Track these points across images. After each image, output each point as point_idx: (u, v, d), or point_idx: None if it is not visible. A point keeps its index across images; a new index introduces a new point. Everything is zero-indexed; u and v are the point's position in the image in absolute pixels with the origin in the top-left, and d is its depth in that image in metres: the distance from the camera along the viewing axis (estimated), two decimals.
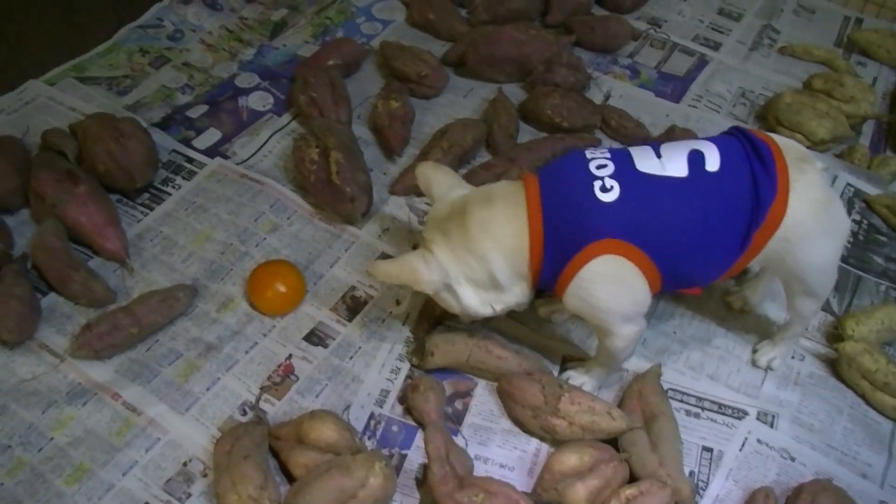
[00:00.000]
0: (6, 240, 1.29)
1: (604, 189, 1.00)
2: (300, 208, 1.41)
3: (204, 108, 1.55)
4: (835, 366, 1.23)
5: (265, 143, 1.52)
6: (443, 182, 1.13)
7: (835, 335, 1.26)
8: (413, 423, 1.14)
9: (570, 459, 1.06)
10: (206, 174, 1.45)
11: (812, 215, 1.03)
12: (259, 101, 1.58)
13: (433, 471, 1.01)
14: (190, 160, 1.47)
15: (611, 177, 1.01)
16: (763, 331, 1.27)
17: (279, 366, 1.20)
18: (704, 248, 1.04)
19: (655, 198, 1.01)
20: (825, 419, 1.18)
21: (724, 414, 1.18)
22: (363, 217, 1.37)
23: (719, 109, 1.64)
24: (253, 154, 1.50)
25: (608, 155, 1.04)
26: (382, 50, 1.64)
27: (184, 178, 1.44)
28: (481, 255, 1.04)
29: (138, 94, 1.59)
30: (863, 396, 1.20)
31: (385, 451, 1.11)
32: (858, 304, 1.32)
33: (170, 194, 1.42)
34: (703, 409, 1.19)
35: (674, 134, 1.47)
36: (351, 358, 1.21)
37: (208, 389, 1.16)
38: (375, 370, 1.20)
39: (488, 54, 1.60)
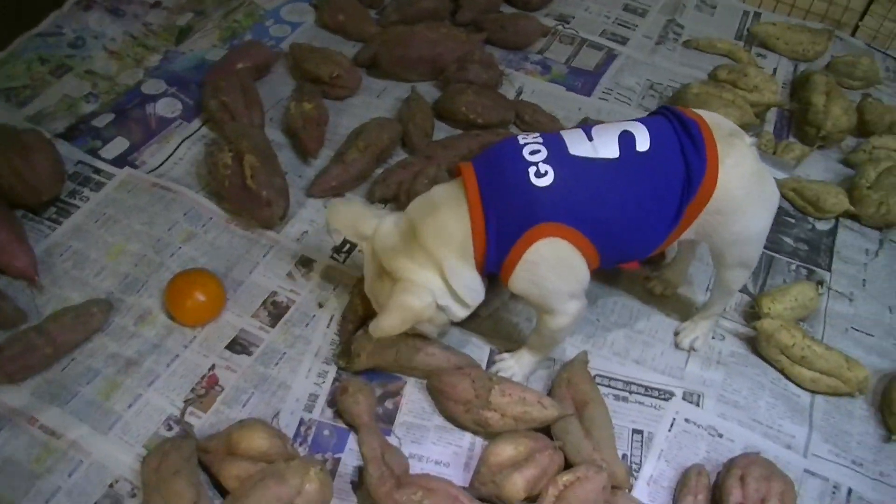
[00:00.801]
0: None
1: (538, 174, 1.02)
2: (215, 215, 1.37)
3: (111, 117, 1.50)
4: (754, 344, 1.27)
5: (175, 150, 1.47)
6: (365, 216, 1.12)
7: (752, 314, 1.30)
8: (344, 427, 1.12)
9: (506, 451, 1.06)
10: (115, 185, 1.40)
11: (743, 188, 1.07)
12: (167, 107, 1.54)
13: (370, 472, 1.00)
14: (98, 171, 1.42)
15: (544, 162, 1.02)
16: (684, 313, 1.31)
17: (203, 377, 1.16)
18: (639, 225, 1.07)
19: (589, 180, 1.03)
20: (748, 395, 1.22)
21: (651, 396, 1.20)
22: (281, 221, 1.35)
23: (629, 102, 1.68)
24: (163, 162, 1.45)
25: (541, 140, 1.05)
26: (293, 52, 1.61)
27: (92, 189, 1.39)
28: (441, 260, 1.04)
29: (40, 104, 1.52)
30: (782, 371, 1.24)
31: (318, 457, 1.09)
32: (772, 284, 1.37)
33: (78, 207, 1.36)
34: (630, 392, 1.21)
35: (586, 123, 1.49)
36: (276, 364, 1.19)
37: (130, 406, 1.12)
38: (302, 375, 1.18)
39: (401, 54, 1.60)
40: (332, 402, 1.15)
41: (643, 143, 1.05)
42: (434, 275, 1.05)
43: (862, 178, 1.46)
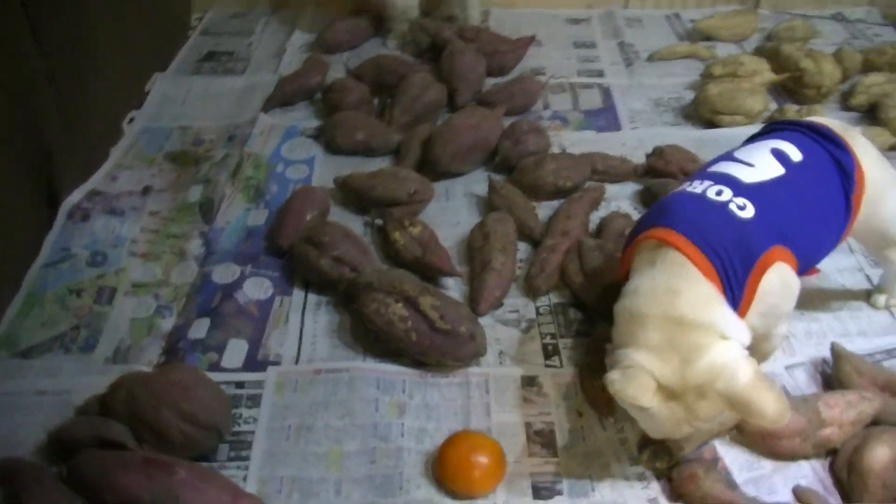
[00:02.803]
0: None
1: (740, 208, 1.03)
2: (405, 375, 1.21)
3: (206, 323, 1.27)
4: None
5: (301, 329, 1.29)
6: (639, 374, 0.97)
7: None
8: None
9: (883, 453, 1.03)
10: (272, 391, 1.18)
11: (882, 172, 1.16)
12: (257, 289, 1.33)
13: None
14: (240, 384, 1.19)
15: (735, 196, 1.04)
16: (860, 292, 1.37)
17: None
18: (822, 228, 1.12)
19: (777, 200, 1.06)
20: None
21: None
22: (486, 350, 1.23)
23: (655, 122, 1.75)
24: (299, 346, 1.26)
25: (710, 182, 1.08)
26: (349, 186, 1.47)
27: (249, 406, 1.17)
28: (715, 322, 0.98)
29: (110, 341, 1.25)
30: None
31: None
32: None
33: (252, 432, 1.13)
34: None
35: (663, 153, 1.53)
36: (593, 490, 1.07)
37: None
38: (625, 488, 1.07)
39: (454, 149, 1.53)
40: (675, 497, 1.06)
41: (795, 154, 1.11)
42: (719, 341, 0.98)
43: (884, 114, 1.64)
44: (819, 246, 1.14)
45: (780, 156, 1.10)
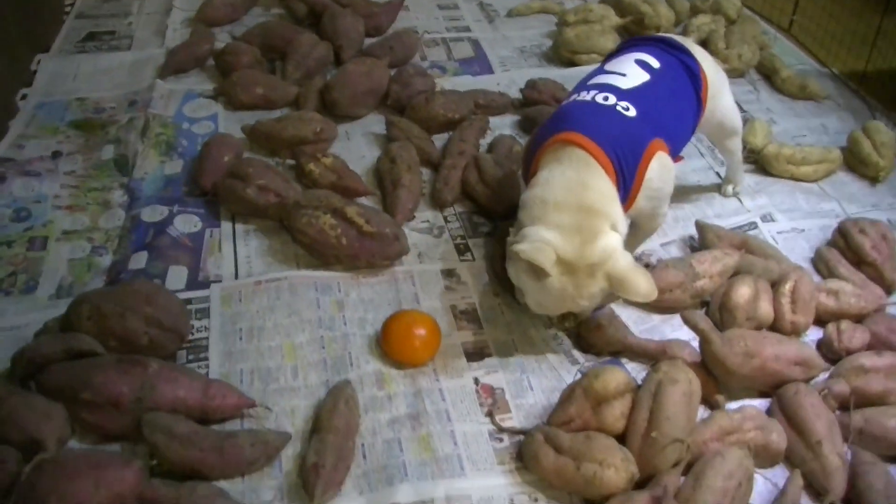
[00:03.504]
0: None
1: (626, 109, 1.23)
2: (339, 279, 1.34)
3: (144, 256, 1.35)
4: (762, 171, 1.64)
5: (235, 253, 1.39)
6: (545, 245, 1.12)
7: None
8: (608, 358, 1.25)
9: (744, 290, 1.26)
10: (220, 304, 1.29)
11: (717, 73, 1.41)
12: (187, 224, 1.42)
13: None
14: (187, 301, 1.28)
15: (619, 100, 1.23)
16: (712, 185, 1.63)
17: (477, 392, 1.18)
18: (685, 121, 1.34)
19: (649, 100, 1.26)
20: (788, 200, 1.59)
21: (751, 229, 1.50)
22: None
23: (522, 65, 1.96)
24: (236, 266, 1.37)
25: (596, 90, 1.26)
26: (258, 132, 1.58)
27: (200, 318, 1.26)
28: (613, 214, 1.16)
29: (51, 280, 1.32)
30: (791, 177, 1.63)
31: None
32: None
33: (206, 338, 1.24)
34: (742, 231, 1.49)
35: (536, 85, 1.74)
36: (517, 350, 1.25)
37: (456, 444, 1.10)
38: (542, 346, 1.26)
39: (351, 94, 1.68)
40: (585, 347, 1.26)
41: (654, 62, 1.32)
42: (610, 231, 1.15)
43: (714, 45, 1.92)
44: (682, 136, 1.35)
45: (643, 65, 1.30)
